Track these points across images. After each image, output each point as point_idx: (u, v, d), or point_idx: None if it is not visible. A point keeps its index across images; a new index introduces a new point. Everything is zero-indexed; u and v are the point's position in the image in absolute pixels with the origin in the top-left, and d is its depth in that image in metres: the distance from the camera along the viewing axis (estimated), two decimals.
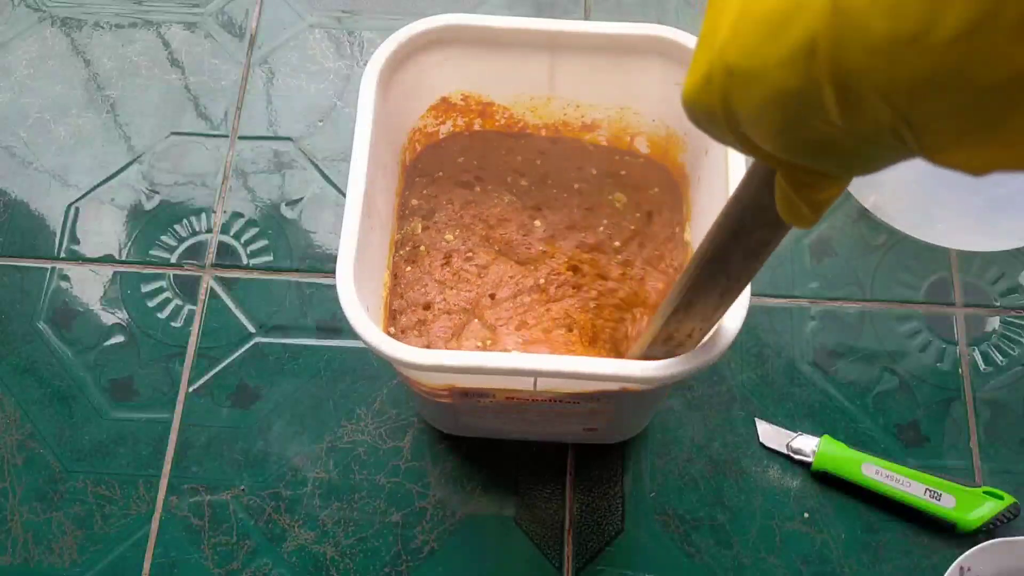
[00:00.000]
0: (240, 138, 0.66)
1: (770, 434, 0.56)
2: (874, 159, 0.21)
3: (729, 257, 0.32)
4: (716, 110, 0.22)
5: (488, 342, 0.48)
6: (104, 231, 0.63)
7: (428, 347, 0.47)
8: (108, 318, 0.60)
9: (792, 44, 0.19)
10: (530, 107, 0.50)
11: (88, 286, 0.61)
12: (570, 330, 0.48)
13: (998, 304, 0.61)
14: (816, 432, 0.56)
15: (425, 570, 0.53)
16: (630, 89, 0.48)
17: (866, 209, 0.63)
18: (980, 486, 0.53)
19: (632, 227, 0.50)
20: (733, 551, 0.54)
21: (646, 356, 0.40)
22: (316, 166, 0.65)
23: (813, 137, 0.20)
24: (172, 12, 0.71)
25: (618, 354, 0.47)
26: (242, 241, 0.62)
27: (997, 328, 0.60)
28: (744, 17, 0.20)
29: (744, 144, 0.23)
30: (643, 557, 0.53)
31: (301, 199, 0.64)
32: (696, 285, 0.34)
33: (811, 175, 0.23)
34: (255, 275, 0.61)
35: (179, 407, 0.58)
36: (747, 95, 0.21)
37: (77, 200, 0.64)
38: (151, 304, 0.61)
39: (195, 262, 0.62)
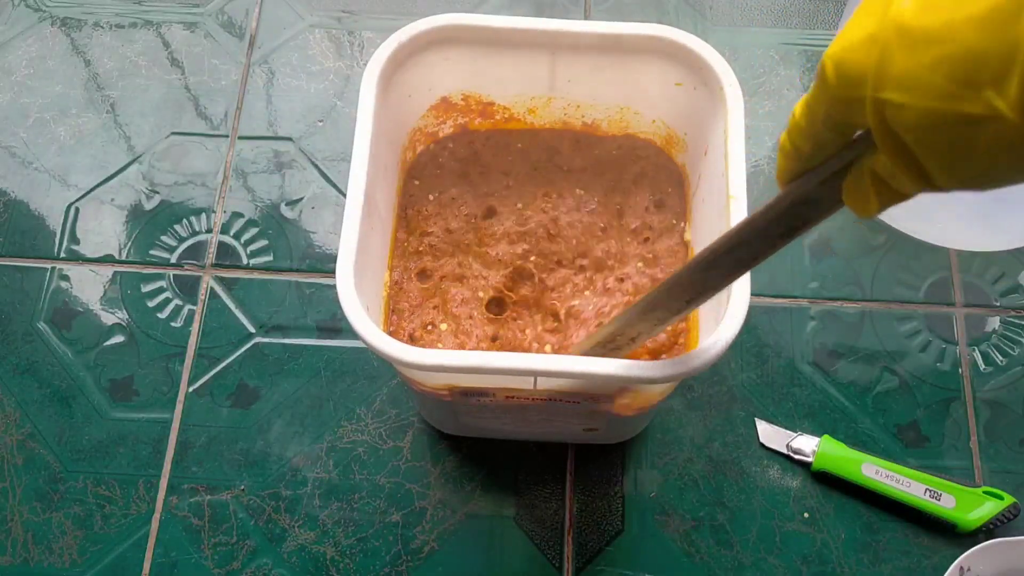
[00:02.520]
0: (240, 138, 0.66)
1: (770, 434, 0.56)
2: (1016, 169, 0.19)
3: (717, 268, 0.32)
4: (868, 71, 0.21)
5: (491, 339, 0.48)
6: (104, 231, 0.63)
7: (429, 346, 0.47)
8: (108, 318, 0.60)
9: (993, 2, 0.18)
10: (530, 107, 0.50)
11: (88, 286, 0.61)
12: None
13: (998, 304, 0.61)
14: (816, 432, 0.56)
15: (425, 570, 0.53)
16: (630, 89, 0.48)
17: None
18: (980, 486, 0.53)
19: (637, 225, 0.50)
20: (733, 551, 0.54)
21: (585, 355, 0.40)
22: (316, 166, 0.65)
23: (971, 112, 0.19)
24: (172, 12, 0.71)
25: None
26: (242, 241, 0.62)
27: (997, 328, 0.60)
28: None
29: (875, 119, 0.21)
30: (643, 557, 0.53)
31: (301, 199, 0.64)
32: (668, 291, 0.34)
33: (911, 171, 0.22)
34: (255, 275, 0.61)
35: (179, 407, 0.58)
36: (916, 55, 0.20)
37: (77, 200, 0.64)
38: (151, 304, 0.61)
39: (195, 262, 0.62)
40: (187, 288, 0.61)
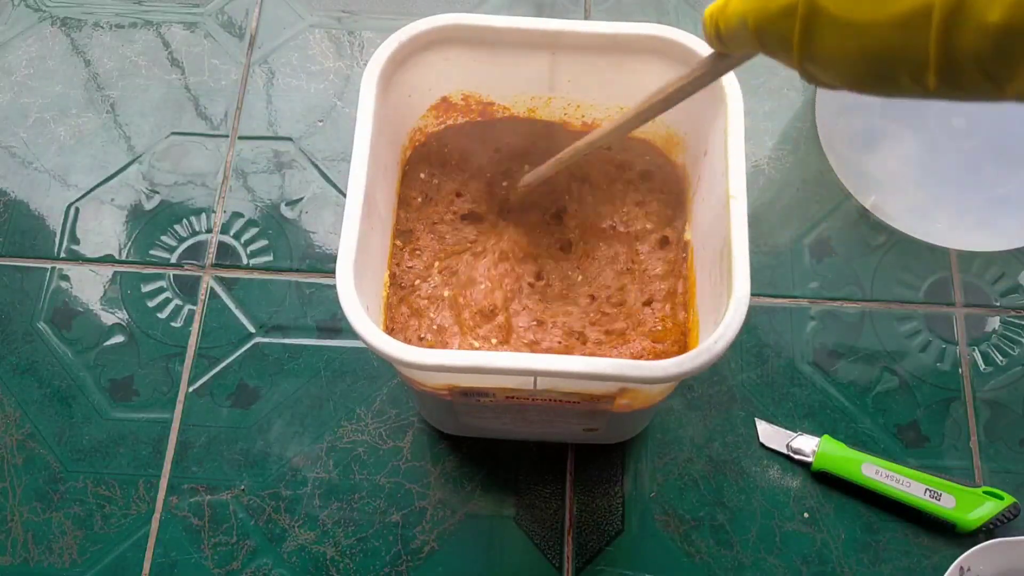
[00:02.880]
0: (240, 138, 0.66)
1: (770, 434, 0.56)
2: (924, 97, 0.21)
3: (640, 121, 0.38)
4: (791, 41, 0.22)
5: (493, 340, 0.48)
6: (104, 231, 0.63)
7: (429, 346, 0.47)
8: (108, 318, 0.60)
9: (911, 6, 0.19)
10: (530, 107, 0.50)
11: (88, 286, 0.61)
12: (575, 335, 0.48)
13: (998, 304, 0.61)
14: (816, 432, 0.56)
15: (425, 570, 0.53)
16: (630, 89, 0.48)
17: (866, 209, 0.63)
18: (980, 486, 0.53)
19: (638, 223, 0.50)
20: (733, 551, 0.54)
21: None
22: (316, 166, 0.65)
23: (890, 85, 0.20)
24: (172, 12, 0.71)
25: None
26: (242, 241, 0.62)
27: (997, 328, 0.60)
28: None
29: (801, 71, 0.23)
30: (643, 557, 0.53)
31: (301, 199, 0.64)
32: (591, 143, 0.40)
33: (833, 85, 0.23)
34: (255, 275, 0.61)
35: (179, 407, 0.58)
36: (839, 43, 0.21)
37: (77, 200, 0.64)
38: (151, 304, 0.61)
39: (195, 262, 0.62)
40: (187, 288, 0.61)
